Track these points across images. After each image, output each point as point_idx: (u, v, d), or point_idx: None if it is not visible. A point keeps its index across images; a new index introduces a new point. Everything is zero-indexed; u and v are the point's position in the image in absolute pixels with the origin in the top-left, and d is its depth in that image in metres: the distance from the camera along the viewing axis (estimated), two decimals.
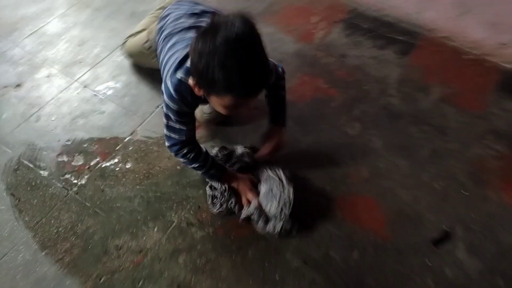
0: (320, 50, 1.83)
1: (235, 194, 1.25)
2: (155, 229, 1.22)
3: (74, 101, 1.56)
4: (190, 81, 0.96)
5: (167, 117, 1.09)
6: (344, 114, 1.57)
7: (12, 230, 1.20)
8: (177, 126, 1.09)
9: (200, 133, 1.46)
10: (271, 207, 1.17)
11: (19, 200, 1.27)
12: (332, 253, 1.18)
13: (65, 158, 1.38)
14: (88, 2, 1.99)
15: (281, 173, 1.24)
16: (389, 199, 1.31)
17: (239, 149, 1.35)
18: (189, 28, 1.16)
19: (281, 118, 1.31)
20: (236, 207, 1.23)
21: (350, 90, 1.66)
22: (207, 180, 1.29)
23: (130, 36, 1.58)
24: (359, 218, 1.26)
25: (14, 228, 1.20)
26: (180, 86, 1.01)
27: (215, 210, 1.24)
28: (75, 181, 1.32)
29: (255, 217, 1.18)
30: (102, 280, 1.11)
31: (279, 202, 1.17)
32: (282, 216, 1.16)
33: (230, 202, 1.23)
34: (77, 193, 1.29)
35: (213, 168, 1.22)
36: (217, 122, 1.48)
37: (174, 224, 1.23)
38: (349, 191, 1.33)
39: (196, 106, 1.10)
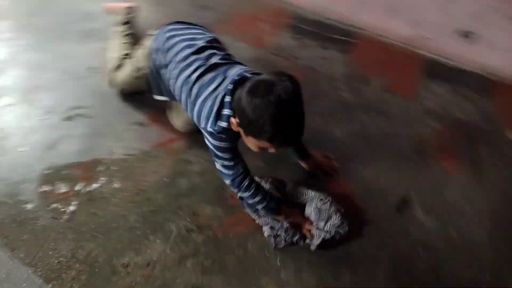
0: (274, 54, 2.00)
1: (295, 227, 1.32)
2: (157, 241, 1.28)
3: (42, 129, 1.52)
4: (233, 120, 1.07)
5: (219, 158, 1.19)
6: (306, 110, 1.75)
7: (9, 270, 1.16)
8: (232, 162, 1.19)
9: (179, 145, 1.54)
10: (335, 219, 1.29)
11: (7, 238, 1.23)
12: None
13: (47, 188, 1.36)
14: (31, 23, 1.90)
15: (307, 190, 1.38)
16: (355, 178, 1.53)
17: (265, 184, 1.41)
18: (204, 72, 1.20)
19: (305, 151, 1.47)
20: (301, 240, 1.31)
21: (308, 88, 1.82)
22: (252, 214, 1.34)
23: (112, 71, 1.57)
24: (334, 197, 1.46)
25: (11, 267, 1.17)
26: (224, 131, 1.12)
27: (280, 246, 1.30)
28: (64, 209, 1.31)
29: (327, 236, 1.28)
30: None
31: (335, 212, 1.31)
32: (344, 219, 1.31)
33: (296, 237, 1.30)
34: (69, 221, 1.29)
35: (271, 201, 1.28)
36: (196, 131, 1.56)
37: (174, 233, 1.30)
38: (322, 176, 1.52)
39: (238, 140, 1.18)
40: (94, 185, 1.39)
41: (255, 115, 0.96)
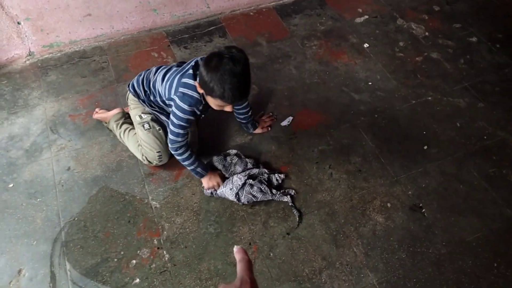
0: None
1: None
2: None
3: None
4: (196, 83, 1.38)
5: (181, 127, 1.47)
6: None
7: None
8: (183, 132, 1.49)
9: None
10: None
11: None
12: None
13: None
14: None
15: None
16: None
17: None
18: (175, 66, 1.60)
19: (255, 122, 1.95)
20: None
21: None
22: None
23: (143, 156, 1.69)
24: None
25: None
26: (185, 98, 1.43)
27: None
28: None
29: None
30: None
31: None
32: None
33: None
34: None
35: (198, 167, 1.62)
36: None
37: None
38: None
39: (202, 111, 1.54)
40: None
41: (208, 77, 1.26)
